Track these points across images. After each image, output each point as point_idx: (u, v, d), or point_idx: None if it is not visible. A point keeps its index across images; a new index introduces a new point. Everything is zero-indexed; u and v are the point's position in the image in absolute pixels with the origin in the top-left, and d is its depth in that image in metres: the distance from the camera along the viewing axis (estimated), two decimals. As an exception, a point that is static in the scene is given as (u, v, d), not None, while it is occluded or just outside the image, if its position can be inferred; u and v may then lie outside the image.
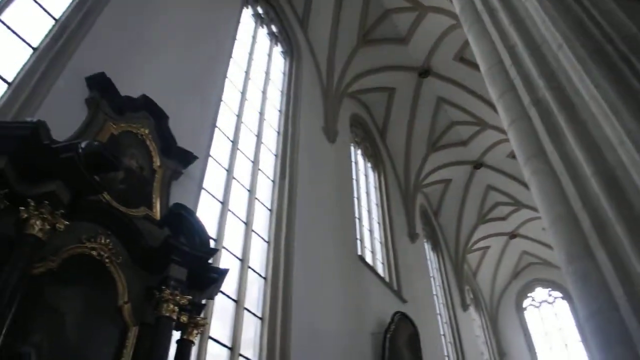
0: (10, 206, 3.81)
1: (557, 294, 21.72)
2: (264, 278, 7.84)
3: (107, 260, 4.56)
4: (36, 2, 5.54)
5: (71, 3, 5.91)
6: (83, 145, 4.20)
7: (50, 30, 5.52)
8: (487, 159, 16.92)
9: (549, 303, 21.91)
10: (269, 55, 11.29)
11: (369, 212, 13.10)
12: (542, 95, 4.34)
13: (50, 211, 3.88)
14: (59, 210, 3.95)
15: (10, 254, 3.68)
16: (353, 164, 12.88)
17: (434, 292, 15.46)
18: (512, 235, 19.98)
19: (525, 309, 21.93)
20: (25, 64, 5.09)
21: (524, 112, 4.48)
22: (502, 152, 16.19)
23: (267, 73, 10.85)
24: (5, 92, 4.78)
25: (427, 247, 16.55)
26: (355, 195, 12.20)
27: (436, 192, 17.84)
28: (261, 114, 9.89)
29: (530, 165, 4.17)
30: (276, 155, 9.65)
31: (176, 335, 4.85)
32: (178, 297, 4.66)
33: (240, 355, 6.69)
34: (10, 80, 4.89)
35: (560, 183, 3.81)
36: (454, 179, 17.45)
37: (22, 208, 3.80)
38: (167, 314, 4.58)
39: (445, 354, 14.16)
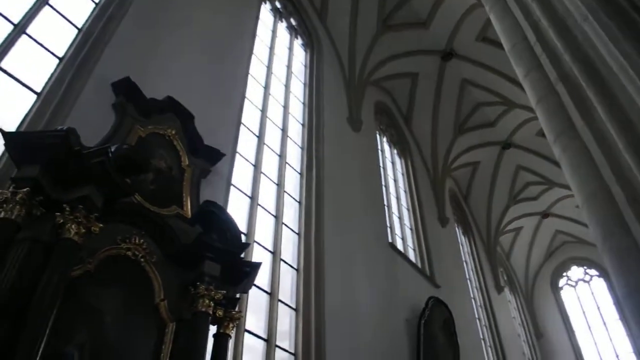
0: (46, 213, 3.92)
1: (594, 272, 21.31)
2: (296, 269, 7.90)
3: (142, 260, 4.67)
4: (59, 13, 5.64)
5: (92, 12, 6.02)
6: (112, 149, 4.29)
7: (74, 40, 5.64)
8: (516, 138, 16.64)
9: (585, 282, 21.52)
10: (290, 49, 11.29)
11: (398, 199, 13.06)
12: (569, 70, 4.26)
13: (85, 215, 3.97)
14: (93, 214, 4.04)
15: (48, 259, 3.79)
16: (379, 152, 12.83)
17: (467, 276, 15.34)
18: (545, 214, 19.65)
19: (561, 288, 21.59)
20: (52, 74, 5.21)
21: (551, 88, 4.41)
22: (531, 130, 15.89)
23: (289, 66, 10.86)
24: (35, 103, 4.91)
25: (458, 231, 16.42)
26: (383, 182, 12.17)
27: (465, 176, 17.65)
28: (285, 107, 9.93)
29: (560, 143, 4.10)
30: (302, 148, 9.68)
31: (213, 329, 4.95)
32: (213, 293, 4.75)
33: (277, 346, 6.77)
34: (38, 90, 5.01)
35: (592, 159, 3.75)
36: (483, 161, 17.23)
37: (58, 213, 3.90)
38: (203, 309, 4.67)
39: (481, 337, 14.06)
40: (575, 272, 21.74)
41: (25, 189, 3.76)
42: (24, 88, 4.91)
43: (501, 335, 15.25)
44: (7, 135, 4.06)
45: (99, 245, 4.34)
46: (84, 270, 4.19)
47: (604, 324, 19.90)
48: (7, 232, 3.67)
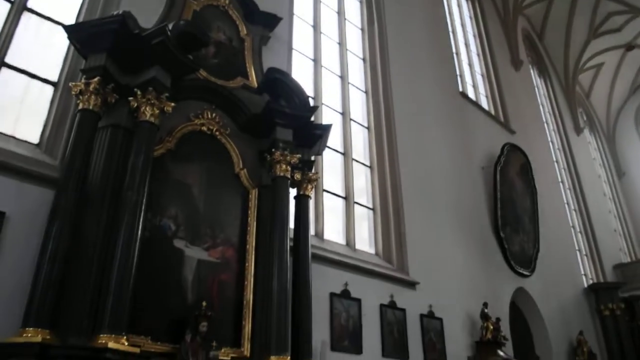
0: (120, 99, 4.09)
1: (684, 105, 19.86)
2: (367, 128, 7.94)
3: (217, 133, 4.86)
4: None
5: None
6: (170, 27, 4.26)
7: None
8: (595, -38, 14.85)
9: (674, 115, 20.18)
10: None
11: (467, 45, 12.37)
12: None
13: (156, 96, 4.10)
14: (164, 94, 4.16)
15: (131, 142, 4.02)
16: (443, -4, 11.95)
17: (544, 119, 14.82)
18: (629, 47, 18.01)
19: (646, 124, 20.45)
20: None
21: None
22: (613, -51, 14.08)
23: None
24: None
25: (533, 73, 15.57)
26: (450, 29, 11.48)
27: (539, 12, 16.24)
28: (336, -42, 9.30)
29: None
30: (360, 1, 9.19)
31: (293, 192, 5.21)
32: (288, 157, 4.94)
33: (355, 202, 7.07)
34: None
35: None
36: (558, -7, 15.69)
37: (131, 98, 4.06)
38: (281, 174, 4.89)
39: (559, 179, 13.89)
40: (663, 105, 20.35)
41: (96, 79, 3.88)
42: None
43: (580, 177, 14.98)
44: (68, 28, 4.12)
45: (174, 123, 4.56)
46: (166, 149, 4.46)
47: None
48: (89, 121, 3.87)
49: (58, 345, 3.21)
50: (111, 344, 3.25)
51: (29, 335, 3.16)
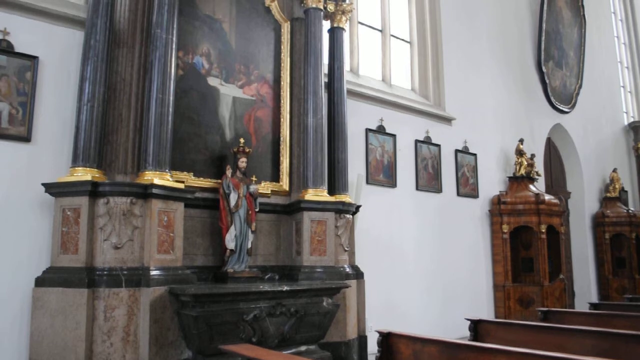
0: None
1: None
2: (405, -46, 7.32)
3: (242, -38, 4.54)
4: None
5: None
6: None
7: None
8: None
9: None
10: None
11: None
12: None
13: None
14: None
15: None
16: None
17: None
18: None
19: None
20: None
21: None
22: None
23: None
24: None
25: None
26: None
27: None
28: None
29: None
30: None
31: (327, 25, 4.98)
32: (320, -11, 4.64)
33: (392, 35, 6.79)
34: None
35: None
36: None
37: None
38: (314, 5, 4.66)
39: (612, 10, 12.77)
40: None
41: None
42: None
43: (635, 8, 13.75)
44: None
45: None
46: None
47: None
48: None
49: (107, 183, 3.36)
50: (157, 180, 3.39)
51: (79, 174, 3.31)
